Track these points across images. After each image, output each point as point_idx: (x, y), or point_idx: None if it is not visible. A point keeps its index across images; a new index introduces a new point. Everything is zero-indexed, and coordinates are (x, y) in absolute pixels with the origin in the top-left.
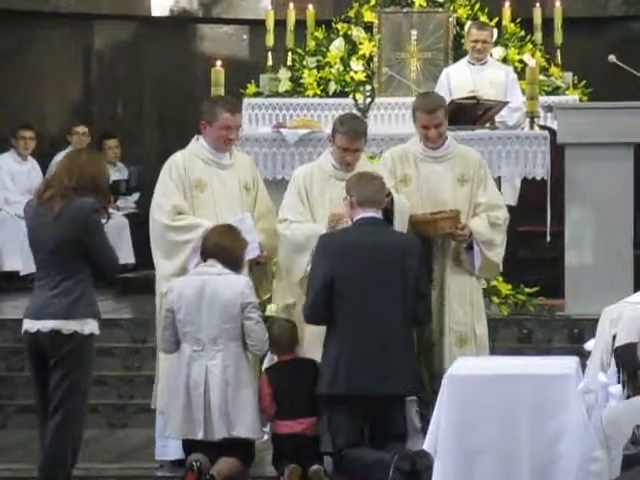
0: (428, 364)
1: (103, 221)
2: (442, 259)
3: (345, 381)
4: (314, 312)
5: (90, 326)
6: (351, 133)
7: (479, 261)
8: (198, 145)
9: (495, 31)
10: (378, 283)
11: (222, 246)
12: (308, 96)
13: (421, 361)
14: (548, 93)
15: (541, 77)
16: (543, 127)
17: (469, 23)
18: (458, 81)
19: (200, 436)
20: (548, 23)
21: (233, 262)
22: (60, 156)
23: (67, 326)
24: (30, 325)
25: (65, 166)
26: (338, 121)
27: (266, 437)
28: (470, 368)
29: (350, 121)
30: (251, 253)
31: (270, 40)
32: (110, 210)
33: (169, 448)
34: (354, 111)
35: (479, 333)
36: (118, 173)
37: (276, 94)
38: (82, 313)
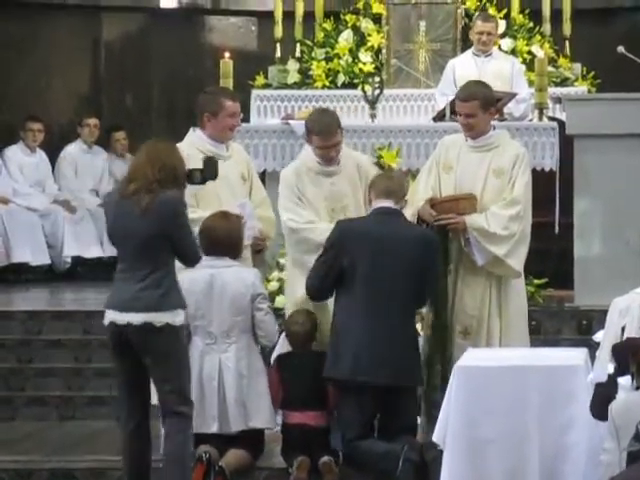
0: (441, 347)
1: None
2: (459, 250)
3: (349, 367)
4: (320, 290)
5: (180, 317)
6: (325, 132)
7: (480, 253)
8: (197, 138)
9: (503, 23)
10: (389, 273)
11: (217, 241)
12: (317, 88)
13: (434, 343)
14: (557, 84)
15: (550, 68)
16: (552, 118)
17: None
18: (463, 73)
19: (214, 429)
20: (557, 14)
21: (232, 248)
22: (70, 149)
23: (159, 318)
24: (118, 317)
25: (146, 158)
26: (309, 122)
27: (276, 428)
28: (479, 359)
29: (321, 119)
30: (249, 239)
31: (278, 32)
32: None
33: None
34: (362, 103)
35: (492, 332)
36: (126, 165)
37: (285, 86)
38: (172, 305)
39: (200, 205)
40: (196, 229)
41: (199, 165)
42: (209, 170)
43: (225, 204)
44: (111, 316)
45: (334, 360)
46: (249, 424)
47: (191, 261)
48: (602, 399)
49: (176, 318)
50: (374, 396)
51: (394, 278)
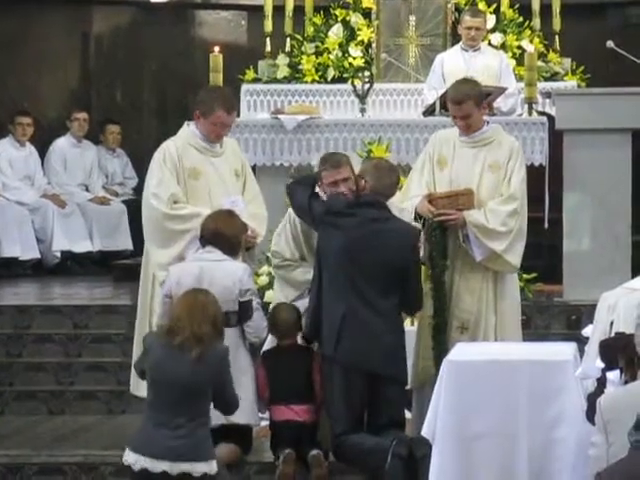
0: (439, 343)
1: None
2: (456, 246)
3: (338, 350)
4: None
5: (215, 466)
6: (333, 164)
7: (479, 249)
8: (190, 132)
9: (492, 17)
10: (373, 263)
11: (220, 232)
12: (306, 82)
13: (432, 340)
14: (546, 79)
15: (539, 63)
16: (541, 113)
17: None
18: (451, 67)
19: None
20: (546, 9)
21: (231, 247)
22: (59, 143)
23: (197, 468)
24: (152, 465)
25: (187, 314)
26: (319, 163)
27: (264, 423)
28: (469, 354)
29: (328, 156)
30: None
31: (268, 26)
32: (109, 197)
33: None
34: (352, 97)
35: (488, 327)
36: (117, 159)
37: (274, 80)
38: (209, 454)
39: (190, 201)
40: (186, 225)
41: (193, 161)
42: (244, 313)
43: (215, 200)
44: (144, 463)
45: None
46: (229, 419)
47: (229, 410)
48: (595, 407)
49: (212, 467)
50: (361, 388)
51: (378, 269)
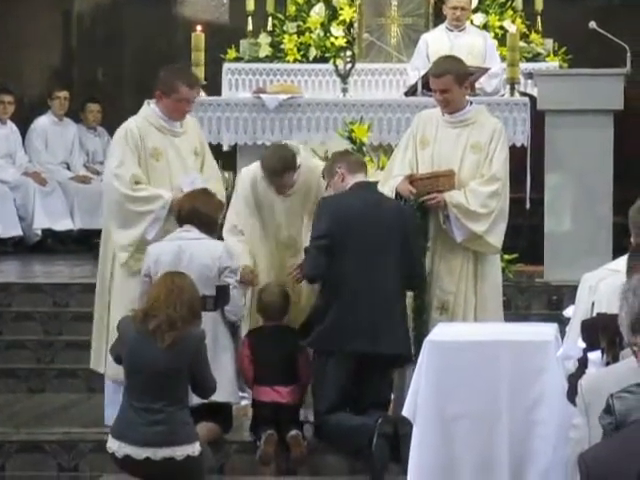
0: (420, 325)
1: None
2: (437, 227)
3: (338, 338)
4: (317, 269)
5: (197, 447)
6: (270, 172)
7: (459, 230)
8: (151, 112)
9: None
10: (378, 246)
11: (197, 211)
12: (288, 61)
13: (417, 323)
14: (528, 60)
15: (521, 44)
16: (523, 94)
17: None
18: (436, 47)
19: None
20: None
21: (208, 226)
22: (40, 121)
23: (179, 452)
24: (135, 452)
25: (164, 296)
26: (263, 158)
27: (245, 402)
28: (450, 334)
29: (269, 158)
30: None
31: (250, 5)
32: (90, 175)
33: None
34: (334, 77)
35: (468, 307)
36: (98, 138)
37: (256, 59)
38: (190, 437)
39: (150, 182)
40: (147, 207)
41: (154, 141)
42: (221, 297)
43: (176, 181)
44: (126, 450)
45: (322, 333)
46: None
47: (207, 394)
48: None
49: (195, 449)
50: (349, 368)
51: (382, 250)
